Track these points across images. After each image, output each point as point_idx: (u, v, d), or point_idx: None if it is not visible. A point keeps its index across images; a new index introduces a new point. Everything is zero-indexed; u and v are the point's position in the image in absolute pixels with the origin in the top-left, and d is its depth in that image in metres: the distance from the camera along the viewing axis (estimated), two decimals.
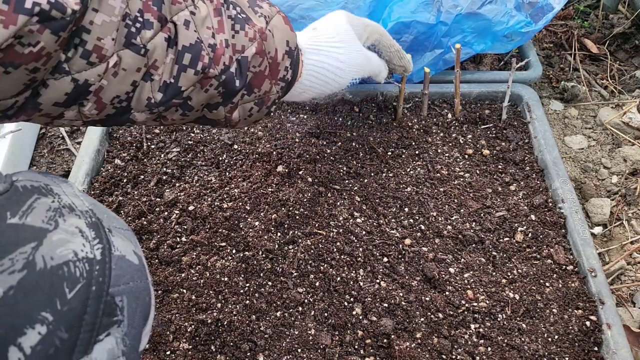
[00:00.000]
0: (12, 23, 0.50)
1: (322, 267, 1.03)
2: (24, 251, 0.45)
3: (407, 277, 1.02)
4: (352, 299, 0.99)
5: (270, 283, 1.01)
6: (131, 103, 0.69)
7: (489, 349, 0.94)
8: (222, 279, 1.02)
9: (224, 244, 1.07)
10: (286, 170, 1.16)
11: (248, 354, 0.93)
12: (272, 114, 0.91)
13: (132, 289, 0.52)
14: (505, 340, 0.95)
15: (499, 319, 0.98)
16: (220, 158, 1.22)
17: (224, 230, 1.08)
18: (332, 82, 0.98)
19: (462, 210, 1.12)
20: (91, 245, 0.49)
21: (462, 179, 1.18)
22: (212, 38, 0.72)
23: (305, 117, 1.31)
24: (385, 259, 1.04)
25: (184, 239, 1.08)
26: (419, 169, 1.19)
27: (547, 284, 1.02)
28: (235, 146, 1.23)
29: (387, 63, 1.12)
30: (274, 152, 1.19)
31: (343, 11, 1.02)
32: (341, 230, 1.08)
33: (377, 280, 1.01)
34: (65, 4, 0.55)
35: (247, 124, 0.88)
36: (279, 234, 1.07)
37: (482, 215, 1.11)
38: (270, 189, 1.14)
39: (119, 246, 0.53)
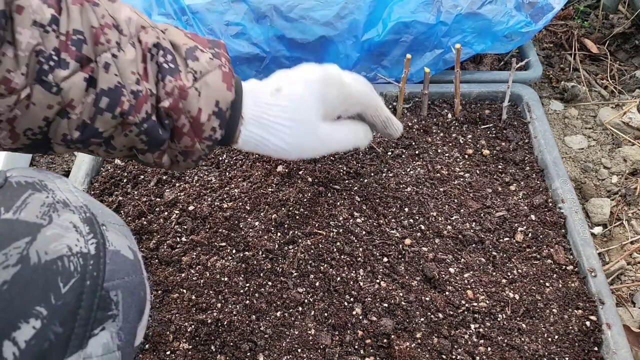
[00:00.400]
0: None
1: (322, 267, 1.02)
2: (18, 246, 0.45)
3: (407, 277, 1.02)
4: (352, 299, 0.99)
5: (270, 283, 1.01)
6: (48, 135, 0.67)
7: (489, 349, 0.94)
8: (222, 279, 1.01)
9: (224, 244, 1.07)
10: (286, 170, 1.16)
11: (248, 354, 0.93)
12: (198, 165, 0.85)
13: (127, 283, 0.52)
14: (505, 340, 0.95)
15: (499, 319, 0.97)
16: (220, 158, 1.22)
17: (224, 230, 1.08)
18: (275, 155, 0.87)
19: (462, 210, 1.12)
20: (85, 240, 0.49)
21: (462, 179, 1.17)
22: (137, 84, 0.69)
23: None
24: (385, 259, 1.04)
25: (184, 239, 1.08)
26: (419, 169, 1.19)
27: (547, 284, 1.02)
28: None
29: (372, 127, 0.98)
30: None
31: (323, 72, 0.86)
32: (341, 230, 1.08)
33: (377, 280, 1.01)
34: None
35: (180, 170, 0.83)
36: (279, 234, 1.07)
37: (482, 215, 1.11)
38: (270, 189, 1.14)
39: (113, 241, 0.53)
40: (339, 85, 0.87)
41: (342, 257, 1.04)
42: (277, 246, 1.05)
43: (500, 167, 1.20)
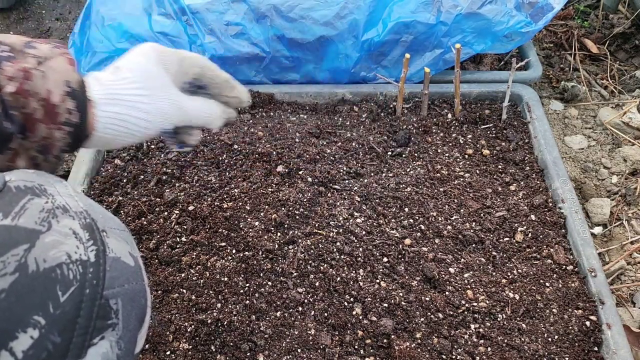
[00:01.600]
0: None
1: (322, 267, 1.02)
2: (16, 253, 0.44)
3: (407, 277, 1.02)
4: (352, 299, 0.99)
5: (270, 283, 1.01)
6: None
7: (489, 349, 0.94)
8: (222, 279, 1.02)
9: (224, 244, 1.07)
10: (286, 170, 1.16)
11: (248, 354, 0.93)
12: (62, 161, 0.82)
13: (127, 291, 0.52)
14: (505, 340, 0.95)
15: (499, 319, 0.97)
16: (220, 158, 1.22)
17: (224, 230, 1.08)
18: (138, 133, 0.85)
19: (462, 210, 1.12)
20: (85, 247, 0.49)
21: (462, 179, 1.17)
22: None
23: (305, 117, 1.31)
24: (385, 259, 1.04)
25: (184, 239, 1.08)
26: (419, 169, 1.19)
27: (547, 284, 1.02)
28: (235, 146, 1.23)
29: (219, 97, 0.95)
30: (274, 152, 1.19)
31: (153, 46, 0.88)
32: (341, 230, 1.08)
33: (377, 280, 1.01)
34: None
35: (46, 172, 0.78)
36: (279, 234, 1.07)
37: (482, 215, 1.11)
38: (270, 189, 1.14)
39: (113, 248, 0.52)
40: (170, 51, 0.89)
41: (342, 257, 1.04)
42: (277, 246, 1.05)
43: (500, 167, 1.20)
